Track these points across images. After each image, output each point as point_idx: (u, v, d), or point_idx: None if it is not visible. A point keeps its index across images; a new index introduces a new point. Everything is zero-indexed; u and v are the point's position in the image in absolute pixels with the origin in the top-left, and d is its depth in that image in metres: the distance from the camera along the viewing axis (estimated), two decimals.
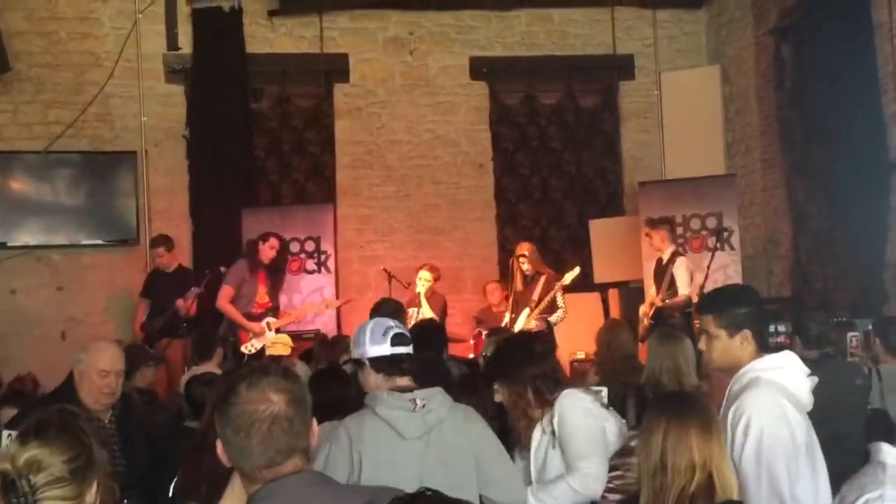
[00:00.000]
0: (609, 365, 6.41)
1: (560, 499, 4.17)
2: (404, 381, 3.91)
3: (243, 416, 2.42)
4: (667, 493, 2.96)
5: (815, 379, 3.64)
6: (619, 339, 6.56)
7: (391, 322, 4.07)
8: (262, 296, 9.20)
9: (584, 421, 4.31)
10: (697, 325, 8.59)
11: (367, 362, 3.93)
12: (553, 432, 4.27)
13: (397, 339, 3.94)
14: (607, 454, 4.33)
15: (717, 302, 3.82)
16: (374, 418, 3.66)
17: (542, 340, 5.03)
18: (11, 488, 2.35)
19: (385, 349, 3.91)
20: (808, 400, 3.58)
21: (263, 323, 9.10)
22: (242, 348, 8.95)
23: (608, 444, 4.37)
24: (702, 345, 3.79)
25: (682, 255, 9.53)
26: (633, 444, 4.48)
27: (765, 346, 3.70)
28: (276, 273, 9.33)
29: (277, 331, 9.18)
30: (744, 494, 3.33)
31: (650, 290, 9.55)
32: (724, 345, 3.68)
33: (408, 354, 3.96)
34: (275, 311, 9.29)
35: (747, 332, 3.65)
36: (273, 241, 9.20)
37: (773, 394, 3.49)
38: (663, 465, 2.98)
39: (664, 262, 9.38)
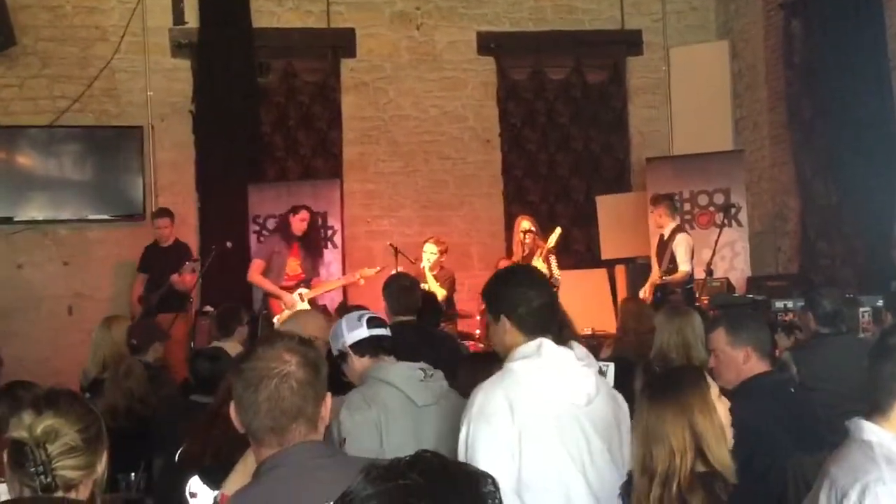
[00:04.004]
0: (632, 337, 6.40)
1: None
2: (390, 360, 3.94)
3: (255, 370, 2.52)
4: (660, 472, 2.87)
5: (590, 371, 3.27)
6: (646, 312, 6.58)
7: (363, 310, 4.24)
8: (293, 268, 9.21)
9: None
10: (705, 302, 8.61)
11: (349, 351, 3.97)
12: None
13: (373, 322, 4.02)
14: None
15: (484, 289, 3.44)
16: (387, 387, 3.70)
17: None
18: (27, 457, 2.36)
19: (363, 332, 3.98)
20: (560, 389, 3.19)
21: (296, 294, 9.08)
22: (275, 319, 8.82)
23: None
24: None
25: (683, 230, 9.40)
26: None
27: (529, 329, 3.26)
28: (309, 245, 9.35)
29: (310, 302, 9.12)
30: None
31: (654, 268, 9.54)
32: (493, 331, 3.37)
33: (387, 336, 4.02)
34: (307, 283, 9.28)
35: (503, 318, 3.28)
36: (304, 214, 9.23)
37: (492, 387, 3.20)
38: (657, 444, 2.89)
39: (665, 238, 9.35)
